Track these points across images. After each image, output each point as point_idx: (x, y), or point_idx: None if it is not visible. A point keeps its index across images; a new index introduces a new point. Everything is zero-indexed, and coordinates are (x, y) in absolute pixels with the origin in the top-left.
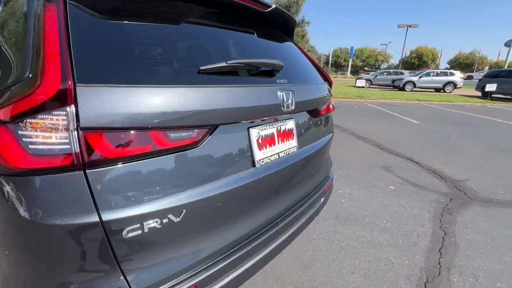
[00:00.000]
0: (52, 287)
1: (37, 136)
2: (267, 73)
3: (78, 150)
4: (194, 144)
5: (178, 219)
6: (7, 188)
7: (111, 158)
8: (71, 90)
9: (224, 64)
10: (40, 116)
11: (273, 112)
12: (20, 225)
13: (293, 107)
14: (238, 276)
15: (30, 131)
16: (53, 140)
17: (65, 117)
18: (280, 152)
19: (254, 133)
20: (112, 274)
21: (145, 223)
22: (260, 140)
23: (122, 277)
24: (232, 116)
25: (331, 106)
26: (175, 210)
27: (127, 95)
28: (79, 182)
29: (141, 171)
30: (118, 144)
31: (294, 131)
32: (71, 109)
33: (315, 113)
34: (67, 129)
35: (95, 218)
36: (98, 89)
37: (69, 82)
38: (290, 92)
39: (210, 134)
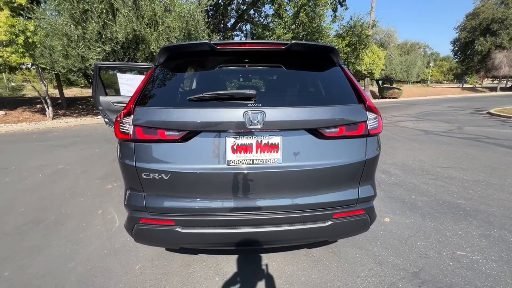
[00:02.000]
0: (125, 189)
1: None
2: (247, 99)
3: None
4: (183, 140)
5: (166, 178)
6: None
7: (141, 139)
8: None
9: (201, 95)
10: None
11: (239, 128)
12: (119, 162)
13: (259, 126)
14: (206, 234)
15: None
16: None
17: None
18: (256, 159)
19: (230, 140)
20: (139, 192)
21: (151, 174)
22: (235, 147)
23: (142, 194)
24: (209, 126)
25: (352, 129)
26: (166, 172)
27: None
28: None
29: (152, 148)
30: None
31: (280, 146)
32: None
33: (319, 134)
34: (129, 124)
35: (134, 163)
36: (142, 108)
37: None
38: (259, 113)
39: (195, 136)
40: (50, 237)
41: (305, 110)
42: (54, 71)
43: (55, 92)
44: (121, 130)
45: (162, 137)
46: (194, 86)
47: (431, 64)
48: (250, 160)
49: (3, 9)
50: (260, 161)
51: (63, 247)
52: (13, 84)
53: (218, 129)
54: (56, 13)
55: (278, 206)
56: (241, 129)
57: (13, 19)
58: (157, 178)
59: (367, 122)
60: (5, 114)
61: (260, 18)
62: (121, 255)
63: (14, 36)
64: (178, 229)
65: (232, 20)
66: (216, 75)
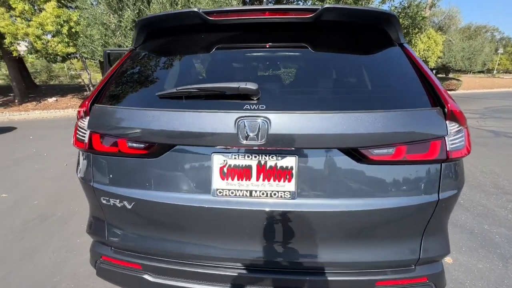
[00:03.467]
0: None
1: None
2: (243, 97)
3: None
4: (151, 156)
5: (130, 207)
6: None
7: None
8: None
9: (173, 90)
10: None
11: (230, 142)
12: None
13: (261, 141)
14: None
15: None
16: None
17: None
18: (256, 190)
19: (219, 159)
20: (101, 220)
21: (111, 199)
22: (225, 169)
23: (105, 223)
24: (187, 138)
25: (419, 149)
26: (129, 199)
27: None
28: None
29: (113, 164)
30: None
31: (295, 172)
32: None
33: (360, 156)
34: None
35: (91, 183)
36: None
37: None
38: (261, 121)
39: (168, 151)
40: (50, 238)
41: (339, 118)
42: (94, 60)
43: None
44: (77, 136)
45: (123, 149)
46: (175, 79)
47: (500, 50)
48: (247, 191)
49: (50, 0)
50: (263, 194)
51: (56, 254)
52: (72, 72)
53: (200, 143)
54: (96, 2)
55: (286, 263)
56: (234, 145)
57: (58, 10)
58: (119, 206)
59: (446, 138)
60: (56, 100)
61: None
62: None
63: (59, 26)
64: (146, 276)
65: None
66: (209, 60)
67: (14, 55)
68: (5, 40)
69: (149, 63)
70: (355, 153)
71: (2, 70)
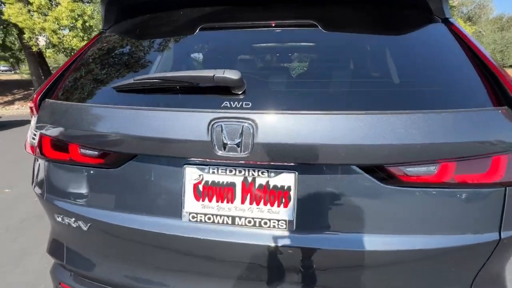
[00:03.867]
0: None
1: None
2: (222, 91)
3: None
4: (108, 166)
5: (86, 229)
6: None
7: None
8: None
9: (130, 81)
10: None
11: (202, 154)
12: None
13: (243, 153)
14: None
15: None
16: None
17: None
18: (240, 217)
19: (192, 174)
20: (60, 239)
21: (65, 218)
22: (200, 187)
23: (64, 244)
24: (150, 145)
25: (473, 167)
26: (84, 219)
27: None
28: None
29: (65, 175)
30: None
31: (293, 194)
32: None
33: (388, 176)
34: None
35: (43, 195)
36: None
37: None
38: (243, 126)
39: (129, 160)
40: (42, 239)
41: (358, 121)
42: None
43: None
44: (30, 138)
45: (75, 157)
46: (150, 69)
47: None
48: (228, 217)
49: None
50: (249, 222)
51: (45, 258)
52: None
53: (167, 153)
54: None
55: None
56: (207, 156)
57: (73, 4)
58: (73, 226)
59: None
60: None
61: None
62: None
63: (74, 20)
64: None
65: None
66: (191, 45)
67: (33, 49)
68: (24, 35)
69: (119, 50)
70: (380, 172)
71: (26, 65)
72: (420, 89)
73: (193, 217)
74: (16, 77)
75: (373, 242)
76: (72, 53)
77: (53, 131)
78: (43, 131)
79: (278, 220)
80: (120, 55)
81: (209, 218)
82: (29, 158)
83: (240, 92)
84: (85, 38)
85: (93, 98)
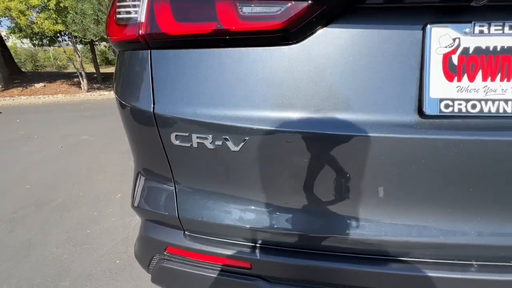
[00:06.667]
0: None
1: None
2: None
3: None
4: (285, 37)
5: (236, 149)
6: None
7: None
8: None
9: None
10: None
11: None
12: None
13: None
14: None
15: None
16: None
17: None
18: None
19: (442, 38)
20: (164, 181)
21: (193, 135)
22: (455, 58)
23: (172, 186)
24: None
25: None
26: (235, 133)
27: None
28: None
29: (201, 59)
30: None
31: None
32: None
33: None
34: None
35: (150, 108)
36: None
37: None
38: None
39: (324, 26)
40: (49, 228)
41: None
42: (86, 39)
43: (92, 70)
44: (117, 19)
45: (230, 25)
46: None
47: None
48: (506, 102)
49: None
50: None
51: (60, 249)
52: (58, 62)
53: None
54: None
55: None
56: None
57: None
58: (210, 147)
59: None
60: (44, 86)
61: None
62: (139, 274)
63: (45, 0)
64: (262, 284)
65: None
66: None
67: None
68: None
69: None
70: None
71: None
72: None
73: (446, 106)
74: None
75: None
76: (43, 41)
77: None
78: None
79: None
80: None
81: (473, 106)
82: (8, 145)
83: None
84: (59, 21)
85: None
